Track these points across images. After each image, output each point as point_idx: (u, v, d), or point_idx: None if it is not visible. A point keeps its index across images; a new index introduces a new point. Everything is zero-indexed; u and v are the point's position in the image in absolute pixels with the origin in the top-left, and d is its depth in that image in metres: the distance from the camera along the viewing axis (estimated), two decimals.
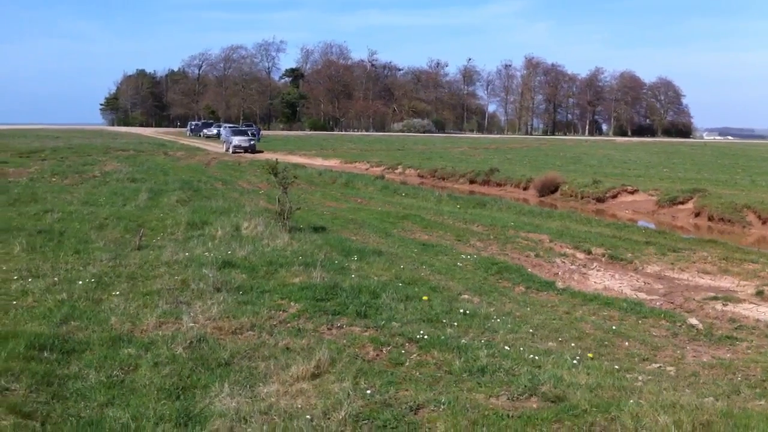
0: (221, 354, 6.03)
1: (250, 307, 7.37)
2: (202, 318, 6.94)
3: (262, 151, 51.61)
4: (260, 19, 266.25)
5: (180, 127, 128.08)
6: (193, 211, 14.48)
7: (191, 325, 6.69)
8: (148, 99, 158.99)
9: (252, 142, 54.38)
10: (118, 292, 7.96)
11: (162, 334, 6.50)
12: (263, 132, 78.89)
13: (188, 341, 6.23)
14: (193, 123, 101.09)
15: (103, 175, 24.92)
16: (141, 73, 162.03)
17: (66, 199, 16.88)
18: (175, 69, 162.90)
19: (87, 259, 9.70)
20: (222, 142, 57.47)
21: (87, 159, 34.49)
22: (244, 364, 5.90)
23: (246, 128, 65.21)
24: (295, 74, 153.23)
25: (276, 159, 14.99)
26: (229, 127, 65.22)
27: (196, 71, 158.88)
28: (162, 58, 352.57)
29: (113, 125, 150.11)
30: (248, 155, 48.74)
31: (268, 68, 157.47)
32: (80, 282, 8.32)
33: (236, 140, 53.43)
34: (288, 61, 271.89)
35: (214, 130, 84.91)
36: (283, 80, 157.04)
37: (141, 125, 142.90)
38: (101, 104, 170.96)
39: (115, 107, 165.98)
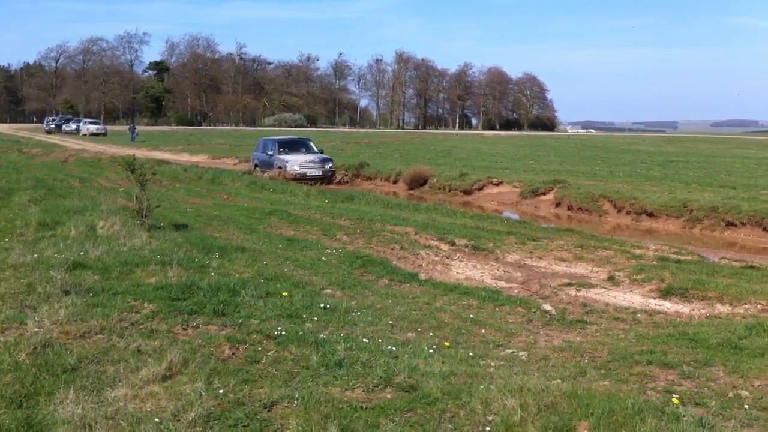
0: (67, 359, 5.75)
1: (101, 310, 7.04)
2: (48, 322, 6.59)
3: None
4: (122, 11, 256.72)
5: (36, 122, 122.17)
6: (44, 211, 13.73)
7: (36, 330, 6.34)
8: (1, 94, 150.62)
9: (329, 166, 31.79)
10: None
11: (4, 340, 6.14)
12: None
13: (32, 347, 5.90)
14: (51, 118, 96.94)
15: None
16: None
17: None
18: (31, 62, 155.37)
19: None
20: (265, 165, 31.91)
21: None
22: (91, 368, 5.65)
23: (302, 139, 35.31)
24: (159, 67, 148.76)
25: (134, 155, 14.46)
26: (278, 140, 33.68)
27: (54, 64, 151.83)
28: (17, 51, 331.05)
29: None
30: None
31: (131, 61, 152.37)
32: None
33: (295, 163, 30.47)
34: (152, 54, 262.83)
35: (73, 126, 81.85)
36: (147, 74, 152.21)
37: None
38: None
39: None
